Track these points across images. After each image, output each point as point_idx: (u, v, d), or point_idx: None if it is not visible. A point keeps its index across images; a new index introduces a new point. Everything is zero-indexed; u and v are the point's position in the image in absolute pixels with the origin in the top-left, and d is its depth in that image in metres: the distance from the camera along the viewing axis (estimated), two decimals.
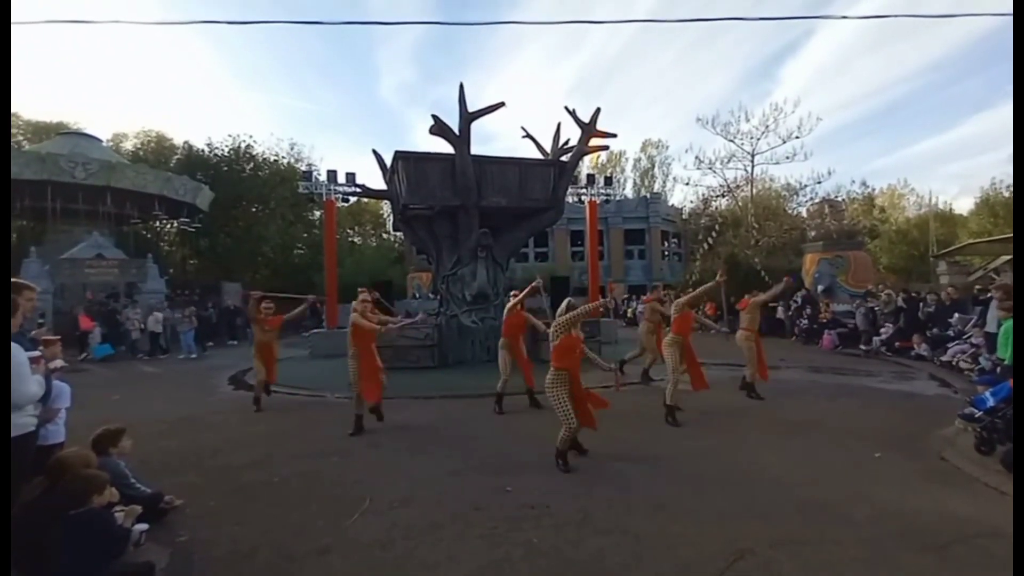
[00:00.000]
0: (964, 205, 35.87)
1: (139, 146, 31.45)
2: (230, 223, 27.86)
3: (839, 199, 27.51)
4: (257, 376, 7.78)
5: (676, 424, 6.10)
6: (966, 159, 57.72)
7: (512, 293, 7.51)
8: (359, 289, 8.61)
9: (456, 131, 11.49)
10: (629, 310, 24.87)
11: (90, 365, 13.37)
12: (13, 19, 3.24)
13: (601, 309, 5.42)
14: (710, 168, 26.37)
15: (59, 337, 4.23)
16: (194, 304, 18.05)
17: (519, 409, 6.94)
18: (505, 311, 7.13)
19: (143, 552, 3.15)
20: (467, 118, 11.57)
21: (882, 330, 12.64)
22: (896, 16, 7.02)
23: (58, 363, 3.59)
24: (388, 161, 13.34)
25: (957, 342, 10.06)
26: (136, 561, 2.97)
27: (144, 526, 3.26)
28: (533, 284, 7.11)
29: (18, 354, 2.76)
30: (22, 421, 2.84)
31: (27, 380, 2.81)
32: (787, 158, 24.23)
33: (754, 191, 26.95)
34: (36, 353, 3.01)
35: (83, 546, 2.73)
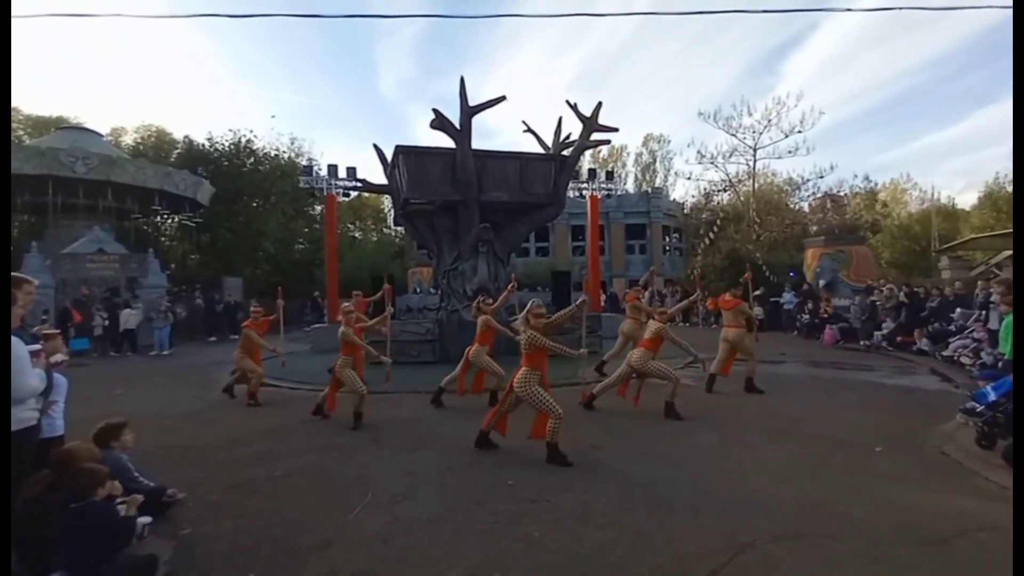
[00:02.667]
0: (969, 200, 35.74)
1: (139, 141, 31.35)
2: (231, 218, 27.78)
3: (841, 194, 27.48)
4: (256, 375, 7.77)
5: (679, 418, 6.11)
6: (971, 154, 57.49)
7: (485, 301, 7.38)
8: (354, 292, 8.71)
9: (457, 125, 11.45)
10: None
11: (89, 360, 13.40)
12: (15, 13, 3.22)
13: (576, 310, 5.44)
14: (712, 163, 26.42)
15: (59, 331, 4.23)
16: (181, 299, 18.02)
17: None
18: (482, 323, 6.94)
19: (146, 545, 3.16)
20: (468, 112, 11.52)
21: (883, 324, 12.64)
22: (900, 8, 6.96)
23: (59, 357, 3.59)
24: (389, 156, 13.31)
25: (959, 337, 10.05)
26: (139, 554, 2.98)
27: (147, 519, 3.28)
28: (509, 288, 7.94)
29: (18, 348, 2.75)
30: (23, 415, 2.84)
31: (28, 374, 2.81)
32: (789, 152, 24.25)
33: (756, 186, 26.92)
34: (37, 347, 3.01)
35: (87, 539, 2.74)
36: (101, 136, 25.48)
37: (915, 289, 13.54)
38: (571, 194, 16.24)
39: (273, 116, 79.89)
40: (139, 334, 15.83)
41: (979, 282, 12.00)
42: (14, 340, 2.74)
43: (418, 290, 22.58)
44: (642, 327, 8.21)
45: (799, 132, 23.69)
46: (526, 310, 4.80)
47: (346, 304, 7.07)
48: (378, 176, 14.98)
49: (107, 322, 15.15)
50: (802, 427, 5.79)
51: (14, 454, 2.68)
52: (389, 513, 3.72)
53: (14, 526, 2.69)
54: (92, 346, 14.66)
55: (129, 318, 15.30)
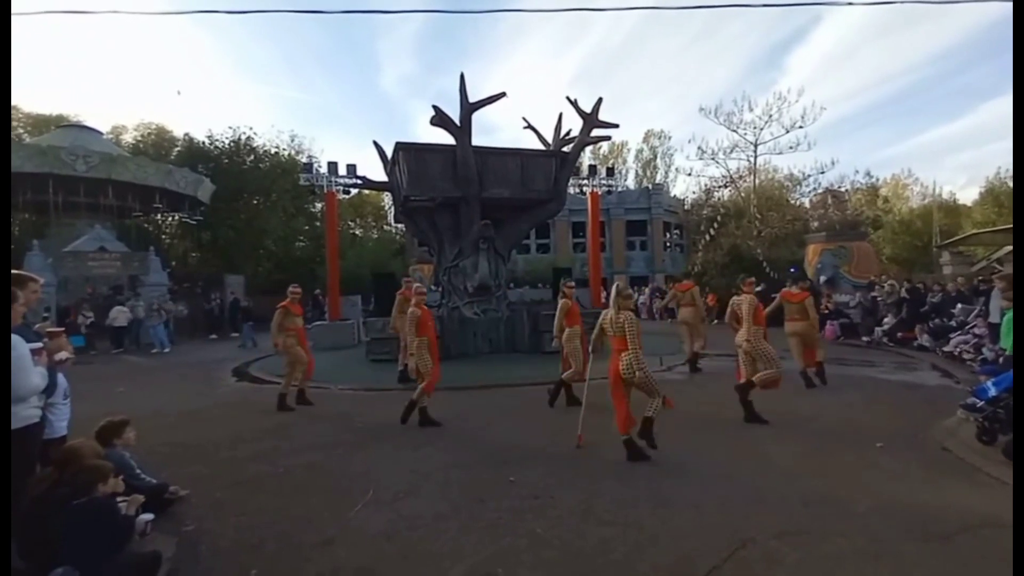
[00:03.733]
0: (972, 195, 35.66)
1: (139, 139, 31.33)
2: (232, 215, 27.77)
3: (843, 189, 27.43)
4: (297, 373, 7.22)
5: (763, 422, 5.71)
6: (974, 148, 57.35)
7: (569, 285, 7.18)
8: (405, 279, 8.60)
9: (457, 122, 11.43)
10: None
11: (89, 358, 13.42)
12: (12, 11, 3.22)
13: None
14: (713, 158, 26.29)
15: (63, 329, 4.23)
16: (183, 296, 18.00)
17: (523, 402, 6.95)
18: (563, 308, 6.78)
19: (150, 542, 3.17)
20: (468, 109, 11.50)
21: (884, 320, 12.62)
22: (901, 2, 6.93)
23: (63, 355, 3.59)
24: (389, 153, 13.29)
25: (960, 332, 10.04)
26: (143, 551, 3.00)
27: (150, 516, 3.28)
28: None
29: (20, 346, 2.75)
30: (26, 413, 2.85)
31: (29, 372, 2.81)
32: (790, 148, 24.12)
33: (757, 181, 26.84)
34: (38, 345, 3.01)
35: (88, 535, 2.75)
36: (101, 134, 25.48)
37: (916, 285, 13.53)
38: (572, 190, 16.24)
39: (179, 92, 64.02)
40: (139, 332, 15.84)
41: (979, 277, 11.99)
42: (16, 338, 2.74)
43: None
44: (699, 315, 9.28)
45: (800, 127, 23.59)
46: (615, 293, 4.69)
47: (418, 285, 6.84)
48: (379, 173, 14.99)
49: (90, 320, 15.04)
50: (803, 423, 5.79)
51: (17, 452, 2.69)
52: (392, 510, 3.73)
53: (18, 523, 2.70)
54: (86, 343, 14.62)
55: (118, 315, 15.20)
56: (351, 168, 15.70)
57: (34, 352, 2.90)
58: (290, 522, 3.58)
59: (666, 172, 44.02)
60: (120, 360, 13.40)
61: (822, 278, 17.00)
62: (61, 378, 3.54)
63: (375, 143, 14.10)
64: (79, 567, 2.67)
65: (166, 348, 14.96)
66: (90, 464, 3.04)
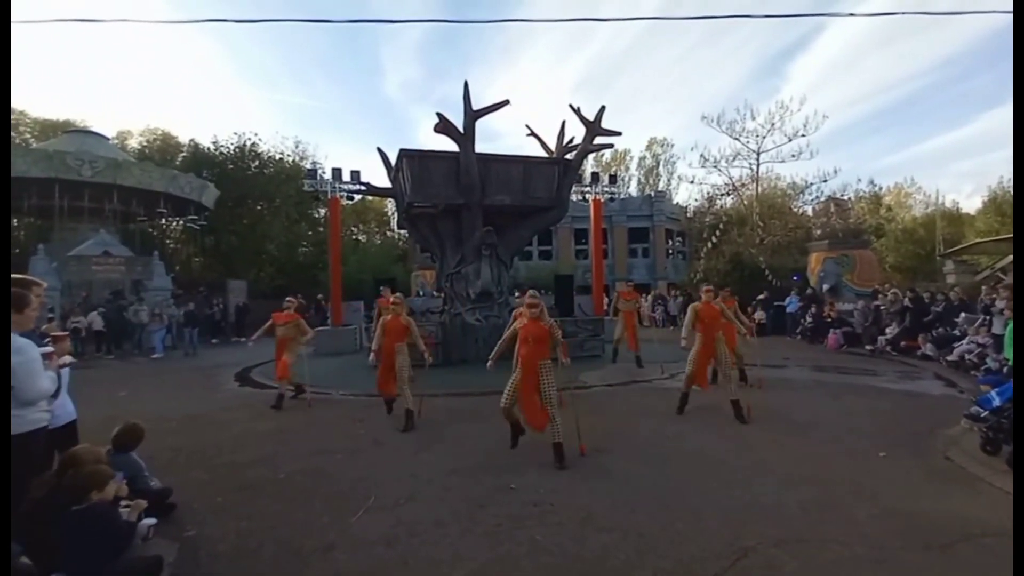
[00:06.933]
0: (976, 203, 35.60)
1: (145, 144, 31.60)
2: (235, 221, 27.91)
3: (845, 198, 27.47)
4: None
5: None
6: (978, 156, 57.25)
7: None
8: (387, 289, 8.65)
9: (461, 129, 11.50)
10: None
11: (93, 361, 13.45)
12: (22, 18, 3.27)
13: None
14: (715, 166, 26.44)
15: (67, 333, 4.27)
16: (186, 301, 18.08)
17: None
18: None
19: (151, 546, 3.18)
20: (472, 116, 11.57)
21: (887, 329, 12.59)
22: (903, 13, 6.97)
23: (67, 359, 3.62)
24: (393, 159, 13.36)
25: (963, 342, 10.01)
26: (145, 555, 3.01)
27: (153, 521, 3.29)
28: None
29: (32, 350, 2.78)
30: (35, 416, 2.87)
31: (41, 376, 2.83)
32: (792, 156, 24.23)
33: (759, 189, 26.90)
34: (48, 349, 3.05)
35: (86, 541, 2.76)
36: (107, 139, 25.67)
37: (919, 294, 13.50)
38: (574, 197, 16.25)
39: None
40: (142, 337, 15.85)
41: (983, 287, 11.96)
42: (28, 343, 2.77)
43: (421, 293, 22.61)
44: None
45: (802, 136, 23.71)
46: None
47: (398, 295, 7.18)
48: (382, 179, 15.02)
49: (74, 326, 14.77)
50: (805, 431, 5.78)
51: (24, 454, 2.71)
52: (392, 516, 3.74)
53: (21, 526, 2.72)
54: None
55: (94, 319, 15.13)
56: (355, 174, 15.75)
57: (44, 356, 2.93)
58: (291, 527, 3.58)
59: (669, 179, 44.05)
60: (121, 364, 13.43)
61: (825, 286, 16.99)
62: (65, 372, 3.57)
63: (379, 150, 14.15)
64: (77, 573, 2.68)
65: (156, 354, 14.78)
66: (88, 470, 3.05)
